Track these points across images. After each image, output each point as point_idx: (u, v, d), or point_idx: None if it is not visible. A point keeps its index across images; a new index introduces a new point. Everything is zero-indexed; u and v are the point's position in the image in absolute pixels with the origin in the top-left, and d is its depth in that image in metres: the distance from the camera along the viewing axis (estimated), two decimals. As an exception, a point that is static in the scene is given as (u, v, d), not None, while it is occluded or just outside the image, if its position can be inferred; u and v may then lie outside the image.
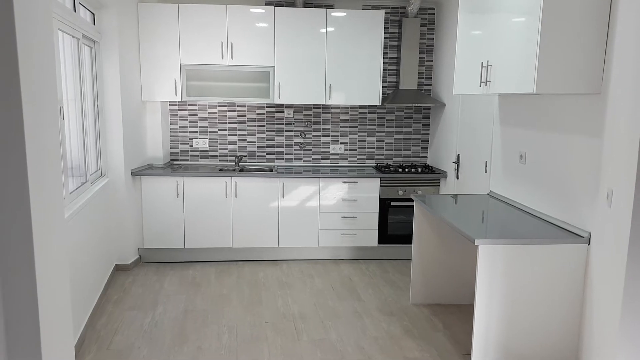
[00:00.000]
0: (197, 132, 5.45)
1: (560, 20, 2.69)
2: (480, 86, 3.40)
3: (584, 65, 2.74)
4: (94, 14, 4.26)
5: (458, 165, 4.84)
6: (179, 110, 5.40)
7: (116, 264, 4.67)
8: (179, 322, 3.68)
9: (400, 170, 5.20)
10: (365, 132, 5.62)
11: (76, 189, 3.59)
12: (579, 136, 2.94)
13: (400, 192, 5.11)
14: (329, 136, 5.59)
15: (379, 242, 5.16)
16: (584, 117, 2.89)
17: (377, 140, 5.65)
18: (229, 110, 5.44)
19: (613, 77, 2.66)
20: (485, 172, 4.20)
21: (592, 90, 2.76)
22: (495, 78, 3.23)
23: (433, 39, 5.53)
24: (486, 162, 4.19)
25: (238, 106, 5.44)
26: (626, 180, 2.51)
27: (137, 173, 4.77)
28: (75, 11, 3.68)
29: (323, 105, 5.52)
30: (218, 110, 5.43)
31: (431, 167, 5.44)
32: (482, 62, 3.39)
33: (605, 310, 2.70)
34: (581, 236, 2.88)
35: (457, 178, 4.85)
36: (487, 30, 3.36)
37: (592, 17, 2.70)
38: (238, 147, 5.52)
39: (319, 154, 5.61)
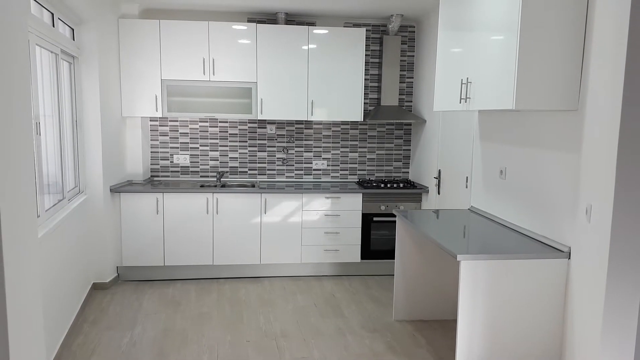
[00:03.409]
0: (178, 148, 5.40)
1: (537, 37, 2.74)
2: (460, 102, 3.43)
3: (561, 82, 2.79)
4: (73, 30, 4.22)
5: (439, 181, 4.87)
6: (160, 126, 5.36)
7: (94, 283, 4.57)
8: (158, 342, 3.60)
9: (382, 185, 5.21)
10: (348, 147, 5.63)
11: (52, 206, 3.52)
12: (558, 152, 2.98)
13: (383, 208, 5.11)
14: (311, 152, 5.59)
15: (362, 257, 5.14)
16: (562, 133, 2.94)
17: (359, 156, 5.66)
18: (210, 126, 5.41)
19: (589, 94, 2.70)
20: (466, 187, 4.23)
21: (569, 106, 2.81)
22: (475, 94, 3.26)
23: (413, 56, 5.60)
24: (467, 177, 4.22)
25: (220, 122, 5.42)
26: (604, 196, 2.55)
27: (116, 189, 4.69)
28: (54, 26, 3.64)
29: (305, 121, 5.53)
30: (199, 126, 5.40)
31: (413, 182, 5.46)
32: (462, 79, 3.43)
33: (586, 324, 2.71)
34: (561, 251, 2.90)
35: (439, 193, 4.88)
36: (466, 47, 3.41)
37: (568, 35, 2.76)
38: (220, 162, 5.48)
39: (302, 170, 5.60)
